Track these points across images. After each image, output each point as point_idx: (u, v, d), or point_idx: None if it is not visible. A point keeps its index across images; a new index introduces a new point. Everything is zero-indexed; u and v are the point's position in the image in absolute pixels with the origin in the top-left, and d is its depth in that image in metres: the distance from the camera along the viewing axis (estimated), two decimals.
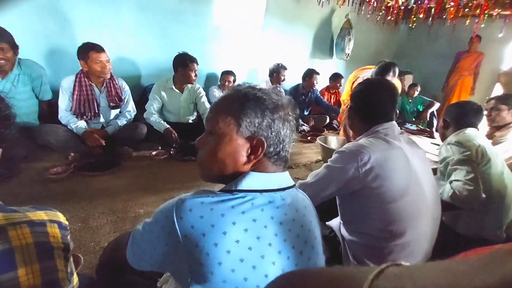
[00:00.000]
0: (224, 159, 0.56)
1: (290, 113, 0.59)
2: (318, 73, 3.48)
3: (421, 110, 3.99)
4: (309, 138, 3.01)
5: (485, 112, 1.86)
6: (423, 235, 0.95)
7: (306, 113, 3.70)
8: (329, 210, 1.19)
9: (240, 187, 0.53)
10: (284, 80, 3.23)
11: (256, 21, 3.39)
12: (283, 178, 0.59)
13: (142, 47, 2.64)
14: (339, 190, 0.98)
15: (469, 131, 1.45)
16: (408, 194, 0.92)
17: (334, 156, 1.00)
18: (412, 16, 4.14)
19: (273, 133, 0.55)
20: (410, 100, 4.01)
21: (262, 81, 3.24)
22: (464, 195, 1.21)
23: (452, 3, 3.66)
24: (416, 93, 3.98)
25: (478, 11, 3.76)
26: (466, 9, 3.80)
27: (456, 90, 4.43)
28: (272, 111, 0.55)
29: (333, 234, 1.15)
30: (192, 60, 2.24)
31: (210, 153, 0.58)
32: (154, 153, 2.16)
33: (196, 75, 2.32)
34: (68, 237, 0.59)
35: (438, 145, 3.38)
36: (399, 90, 3.01)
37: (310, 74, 3.45)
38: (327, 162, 1.02)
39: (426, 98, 4.03)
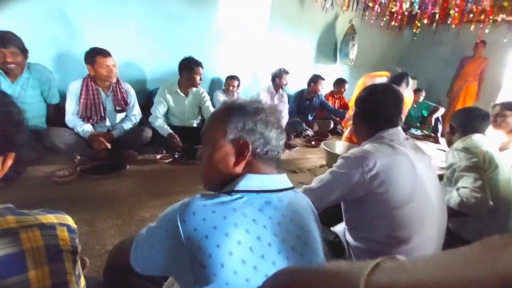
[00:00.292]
0: (217, 164, 0.60)
1: (271, 115, 0.62)
2: (323, 79, 3.49)
3: (425, 115, 3.97)
4: (313, 142, 3.01)
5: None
6: (428, 242, 0.95)
7: (310, 118, 3.71)
8: (334, 215, 1.18)
9: (237, 188, 0.55)
10: (286, 84, 3.25)
11: (260, 26, 3.42)
12: (280, 180, 0.61)
13: (148, 52, 2.68)
14: (344, 196, 0.98)
15: (476, 137, 1.45)
16: (413, 200, 0.92)
17: (339, 161, 1.00)
18: (416, 22, 4.15)
19: (257, 135, 0.59)
20: (415, 105, 3.99)
21: (264, 88, 3.22)
22: (472, 203, 1.21)
23: (456, 9, 3.67)
24: (421, 98, 3.97)
25: (482, 16, 3.76)
26: (471, 15, 3.80)
27: (461, 95, 4.40)
28: (253, 114, 0.60)
29: (338, 239, 1.15)
30: (197, 63, 2.29)
31: (206, 162, 0.63)
32: (158, 156, 2.18)
33: (201, 79, 2.36)
34: (77, 240, 0.59)
35: (444, 150, 3.36)
36: (411, 102, 3.02)
37: (315, 80, 3.47)
38: (331, 167, 1.02)
39: (431, 103, 4.01)
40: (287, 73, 3.13)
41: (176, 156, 2.22)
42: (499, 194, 1.34)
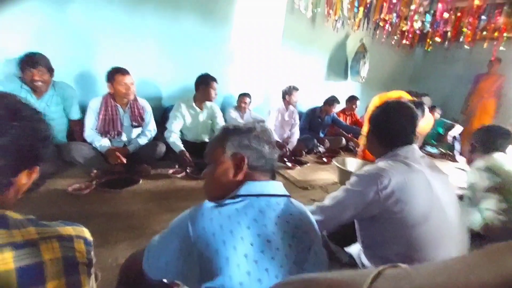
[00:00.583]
0: (220, 178, 0.69)
1: (263, 133, 0.73)
2: (339, 103, 3.52)
3: (441, 133, 3.88)
4: (324, 159, 2.98)
5: None
6: None
7: (321, 134, 3.70)
8: (348, 235, 1.15)
9: (239, 193, 0.62)
10: (296, 101, 3.28)
11: (273, 45, 3.53)
12: (277, 187, 0.69)
13: (164, 70, 2.80)
14: (358, 214, 0.96)
15: (498, 156, 1.40)
16: (430, 219, 0.88)
17: (352, 179, 0.98)
18: (428, 40, 4.17)
19: (252, 150, 0.69)
20: None
21: (274, 106, 3.25)
22: (497, 227, 1.15)
23: (469, 27, 3.67)
24: (437, 115, 3.89)
25: (496, 34, 3.73)
26: (484, 32, 3.78)
27: (477, 113, 4.30)
28: (247, 133, 0.70)
29: (352, 260, 1.11)
30: (213, 79, 2.43)
31: (210, 177, 0.72)
32: (171, 171, 2.21)
33: (216, 94, 2.47)
34: (92, 253, 0.60)
35: (463, 169, 3.24)
36: (431, 124, 2.97)
37: (332, 103, 3.45)
38: (344, 184, 1.00)
39: (446, 120, 3.93)
40: (297, 90, 3.17)
41: (188, 171, 2.24)
42: None
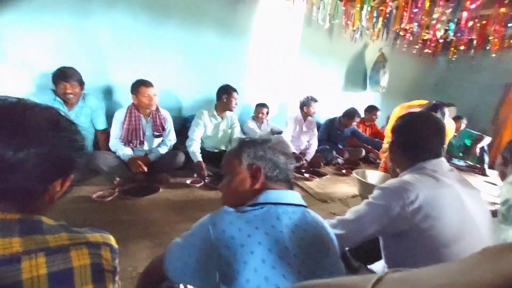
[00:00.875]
0: (237, 188, 0.72)
1: (278, 144, 0.75)
2: (360, 117, 3.46)
3: (468, 144, 3.68)
4: (344, 171, 2.91)
5: None
6: None
7: (340, 146, 3.62)
8: (371, 251, 1.10)
9: (257, 201, 0.64)
10: (315, 112, 3.26)
11: (290, 56, 3.56)
12: (293, 196, 0.70)
13: (184, 81, 2.90)
14: (382, 230, 0.92)
15: None
16: (463, 238, 0.83)
17: (375, 192, 0.95)
18: (452, 48, 4.03)
19: (267, 160, 0.71)
20: (455, 134, 3.74)
21: (292, 116, 3.23)
22: None
23: (496, 35, 3.52)
24: (463, 126, 3.71)
25: None
26: None
27: (508, 123, 4.05)
28: (261, 144, 0.73)
29: None
30: (234, 89, 2.51)
31: (227, 188, 0.75)
32: (188, 181, 2.24)
33: (236, 103, 2.53)
34: (117, 261, 0.61)
35: (493, 184, 3.04)
36: (453, 130, 2.84)
37: (352, 116, 3.39)
38: (365, 197, 0.97)
39: (473, 131, 3.74)
40: (316, 101, 3.16)
41: (206, 181, 2.27)
42: None
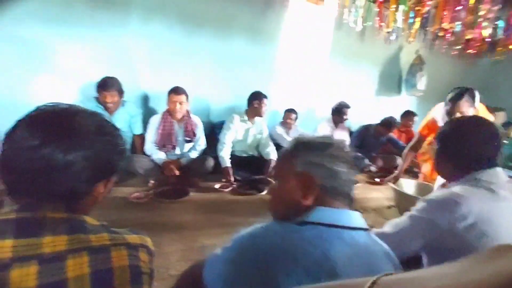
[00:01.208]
0: (285, 197, 0.62)
1: (340, 150, 0.63)
2: (398, 125, 3.28)
3: None
4: (377, 179, 2.76)
5: None
6: None
7: (373, 153, 3.45)
8: (411, 269, 1.01)
9: (308, 220, 0.55)
10: (347, 119, 3.14)
11: (320, 60, 3.50)
12: (353, 217, 0.59)
13: (215, 88, 2.97)
14: (426, 246, 0.84)
15: None
16: None
17: (420, 204, 0.87)
18: (500, 48, 3.68)
19: (325, 169, 0.59)
20: (506, 142, 3.37)
21: (323, 122, 3.18)
22: None
23: None
24: None
25: None
26: None
27: None
28: (320, 149, 0.62)
29: None
30: (265, 96, 2.55)
31: (276, 194, 0.67)
32: (217, 186, 2.27)
33: (266, 109, 2.57)
34: (153, 263, 0.61)
35: None
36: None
37: (390, 125, 3.20)
38: (402, 209, 0.89)
39: None
40: (348, 107, 3.04)
41: (235, 185, 2.28)
42: None
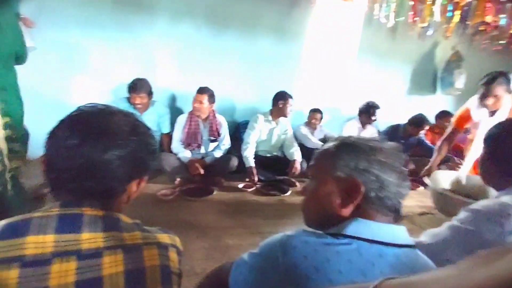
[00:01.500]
0: (321, 201, 0.56)
1: (392, 157, 0.55)
2: (430, 124, 3.08)
3: None
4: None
5: None
6: None
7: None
8: None
9: (344, 232, 0.49)
10: (375, 120, 3.00)
11: (348, 59, 3.38)
12: (398, 233, 0.51)
13: (240, 88, 2.99)
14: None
15: None
16: None
17: (463, 214, 0.80)
18: None
19: (372, 177, 0.52)
20: None
21: (350, 123, 3.07)
22: None
23: None
24: None
25: None
26: None
27: None
28: (368, 154, 0.53)
29: None
30: (290, 96, 2.51)
31: (310, 197, 0.61)
32: (241, 185, 2.28)
33: (291, 110, 2.53)
34: (181, 263, 0.60)
35: None
36: None
37: (420, 124, 3.03)
38: (447, 211, 0.82)
39: None
40: (377, 107, 2.91)
41: (257, 186, 2.28)
42: None
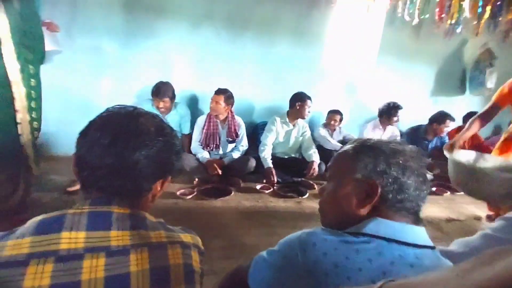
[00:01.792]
0: (339, 201, 0.57)
1: (412, 160, 0.55)
2: (453, 119, 2.94)
3: None
4: (433, 189, 2.49)
5: None
6: None
7: (429, 159, 3.12)
8: None
9: (364, 231, 0.49)
10: (397, 121, 2.89)
11: (368, 58, 3.29)
12: (418, 233, 0.51)
13: (258, 89, 3.00)
14: None
15: None
16: None
17: (497, 223, 0.75)
18: None
19: (391, 179, 0.52)
20: None
21: (369, 124, 2.99)
22: None
23: None
24: None
25: None
26: None
27: None
28: (388, 156, 0.54)
29: None
30: (309, 97, 2.48)
31: (328, 197, 0.61)
32: (258, 187, 2.28)
33: (309, 111, 2.50)
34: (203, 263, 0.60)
35: None
36: None
37: (442, 120, 2.91)
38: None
39: None
40: (399, 108, 2.80)
41: (275, 187, 2.27)
42: None
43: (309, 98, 2.47)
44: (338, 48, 3.14)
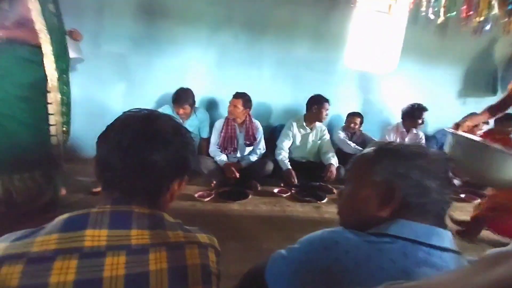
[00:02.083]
0: (358, 204, 0.57)
1: (434, 163, 0.53)
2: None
3: None
4: (462, 195, 2.34)
5: None
6: None
7: None
8: None
9: (387, 232, 0.48)
10: (422, 123, 2.77)
11: (390, 59, 3.19)
12: (442, 236, 0.49)
13: (276, 93, 3.00)
14: None
15: None
16: None
17: None
18: None
19: (411, 182, 0.51)
20: None
21: (392, 127, 2.91)
22: None
23: None
24: None
25: None
26: None
27: None
28: (408, 159, 0.53)
29: None
30: (326, 100, 2.45)
31: (346, 200, 0.61)
32: (276, 190, 2.26)
33: (327, 114, 2.46)
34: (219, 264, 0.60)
35: None
36: None
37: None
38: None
39: None
40: (424, 109, 2.69)
41: (293, 191, 2.24)
42: None
43: (327, 100, 2.43)
44: (358, 50, 3.07)
